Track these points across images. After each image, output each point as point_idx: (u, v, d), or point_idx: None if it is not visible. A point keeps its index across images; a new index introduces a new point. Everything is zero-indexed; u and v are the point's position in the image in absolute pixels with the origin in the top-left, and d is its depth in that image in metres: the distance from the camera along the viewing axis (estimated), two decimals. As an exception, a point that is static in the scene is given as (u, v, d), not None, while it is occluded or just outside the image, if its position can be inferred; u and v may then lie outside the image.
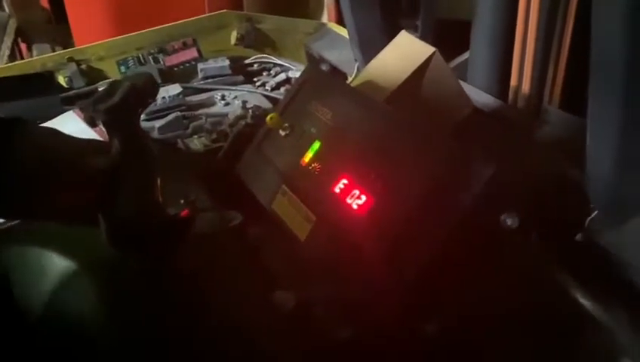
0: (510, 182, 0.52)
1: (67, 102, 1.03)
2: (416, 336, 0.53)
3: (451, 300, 0.52)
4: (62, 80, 1.07)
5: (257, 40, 1.21)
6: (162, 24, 1.14)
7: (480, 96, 0.80)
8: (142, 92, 0.57)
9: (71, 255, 0.62)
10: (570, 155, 0.64)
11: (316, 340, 0.56)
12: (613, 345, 0.52)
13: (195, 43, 1.12)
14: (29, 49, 1.96)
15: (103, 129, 0.55)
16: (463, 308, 0.53)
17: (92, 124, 0.55)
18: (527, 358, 0.53)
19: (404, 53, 0.78)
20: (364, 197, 0.59)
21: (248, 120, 0.85)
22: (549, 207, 0.61)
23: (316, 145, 0.69)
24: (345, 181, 0.62)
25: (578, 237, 0.60)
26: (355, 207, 0.60)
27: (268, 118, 0.71)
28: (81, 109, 0.87)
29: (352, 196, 0.60)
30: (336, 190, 0.62)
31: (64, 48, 1.65)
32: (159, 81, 1.05)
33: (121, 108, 0.54)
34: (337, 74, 1.05)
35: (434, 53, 0.75)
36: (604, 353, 0.53)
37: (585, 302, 0.51)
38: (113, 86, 0.56)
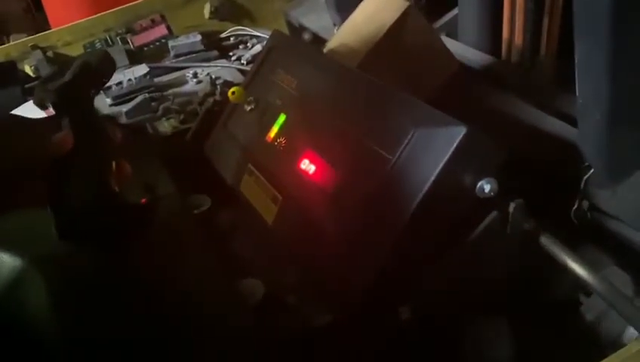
0: (490, 144, 0.46)
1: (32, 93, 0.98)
2: (390, 322, 0.47)
3: (425, 279, 0.47)
4: (28, 69, 1.01)
5: (233, 12, 1.13)
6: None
7: (472, 54, 0.73)
8: (96, 70, 0.52)
9: (19, 251, 0.57)
10: (566, 109, 0.58)
11: (287, 330, 0.51)
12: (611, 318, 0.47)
13: (163, 19, 1.05)
14: (8, 40, 1.91)
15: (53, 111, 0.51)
16: (438, 286, 0.47)
17: (42, 106, 0.51)
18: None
19: (377, 10, 0.71)
20: (330, 173, 0.53)
21: (217, 97, 0.78)
22: (541, 169, 0.55)
23: (281, 118, 0.62)
24: (310, 156, 0.56)
25: (583, 203, 0.54)
26: (319, 183, 0.54)
27: (229, 92, 0.65)
28: (32, 91, 0.82)
29: (317, 172, 0.54)
30: (302, 166, 0.56)
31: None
32: (127, 62, 0.99)
33: (72, 87, 0.49)
34: (320, 43, 0.98)
35: (409, 7, 0.68)
36: (602, 327, 0.47)
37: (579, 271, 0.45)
38: (65, 65, 0.51)
